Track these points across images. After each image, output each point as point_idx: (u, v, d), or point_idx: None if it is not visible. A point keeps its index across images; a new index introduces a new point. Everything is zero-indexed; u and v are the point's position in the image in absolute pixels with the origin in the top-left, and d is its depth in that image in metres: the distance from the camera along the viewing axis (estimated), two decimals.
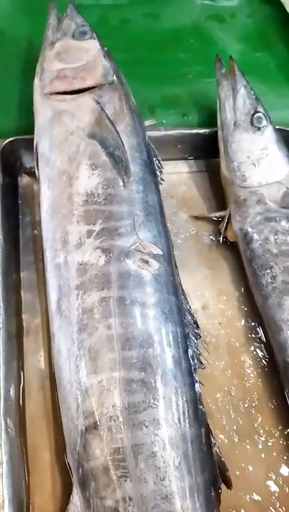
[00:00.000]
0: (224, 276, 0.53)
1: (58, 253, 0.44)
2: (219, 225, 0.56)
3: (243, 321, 0.50)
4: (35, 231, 0.52)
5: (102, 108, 0.50)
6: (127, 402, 0.37)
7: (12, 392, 0.42)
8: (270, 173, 0.54)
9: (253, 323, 0.49)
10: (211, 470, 0.37)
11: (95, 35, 0.57)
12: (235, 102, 0.57)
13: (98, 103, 0.50)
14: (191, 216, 0.57)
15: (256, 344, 0.48)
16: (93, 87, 0.52)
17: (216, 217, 0.57)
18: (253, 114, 0.56)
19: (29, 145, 0.52)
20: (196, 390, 0.40)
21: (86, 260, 0.43)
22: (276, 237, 0.50)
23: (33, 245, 0.52)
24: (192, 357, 0.42)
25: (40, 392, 0.43)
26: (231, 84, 0.58)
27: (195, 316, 0.45)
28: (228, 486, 0.38)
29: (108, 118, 0.49)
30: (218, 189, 0.59)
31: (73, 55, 0.54)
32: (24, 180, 0.57)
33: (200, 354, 0.44)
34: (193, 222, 0.57)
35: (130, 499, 0.34)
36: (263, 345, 0.48)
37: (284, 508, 0.40)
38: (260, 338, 0.48)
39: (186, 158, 0.62)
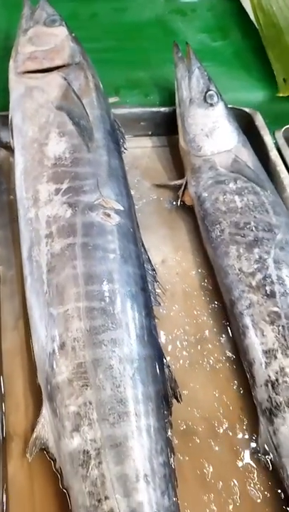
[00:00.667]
0: (181, 235, 0.59)
1: (30, 209, 0.50)
2: (178, 192, 0.62)
3: (196, 270, 0.56)
4: (11, 197, 0.58)
5: (69, 84, 0.56)
6: (89, 326, 0.42)
7: None
8: (221, 144, 0.61)
9: (205, 272, 0.56)
10: (162, 384, 0.43)
11: (63, 23, 0.63)
12: (190, 81, 0.64)
13: (65, 80, 0.57)
14: (153, 184, 0.64)
15: (208, 290, 0.55)
16: (61, 66, 0.58)
17: (175, 185, 0.63)
18: (206, 92, 0.63)
19: (5, 121, 0.58)
20: (151, 320, 0.46)
21: (54, 213, 0.49)
22: (225, 196, 0.56)
23: (9, 209, 0.58)
24: (149, 295, 0.49)
25: (14, 332, 0.49)
26: (187, 66, 0.65)
27: (154, 266, 0.52)
28: (178, 400, 0.44)
29: (74, 92, 0.56)
30: (177, 162, 0.65)
31: (44, 40, 0.61)
32: (1, 153, 0.63)
33: (157, 294, 0.50)
34: (155, 189, 0.63)
35: (90, 403, 0.40)
36: (213, 290, 0.54)
37: (227, 422, 0.46)
38: (211, 284, 0.55)
39: (148, 135, 0.69)
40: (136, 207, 0.56)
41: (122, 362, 0.42)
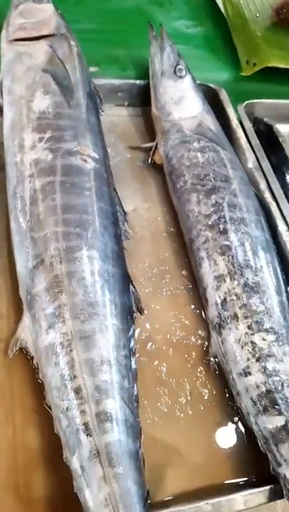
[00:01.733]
0: (151, 189, 0.67)
1: (16, 155, 0.57)
2: (149, 152, 0.70)
3: (163, 217, 0.64)
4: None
5: (54, 51, 0.64)
6: (65, 246, 0.49)
7: None
8: (187, 110, 0.69)
9: (170, 219, 0.63)
10: (127, 298, 0.51)
11: (50, 1, 0.71)
12: (162, 57, 0.72)
13: (51, 47, 0.64)
14: (127, 146, 0.71)
15: (171, 234, 0.62)
16: (48, 36, 0.66)
17: (146, 147, 0.71)
18: (176, 66, 0.71)
19: None
20: (120, 248, 0.54)
21: (37, 157, 0.56)
22: (189, 153, 0.64)
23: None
24: (119, 229, 0.56)
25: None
26: (160, 44, 0.73)
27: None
28: (141, 312, 0.52)
29: (58, 58, 0.63)
30: (149, 128, 0.73)
31: (33, 13, 0.68)
32: None
33: (126, 231, 0.57)
34: (129, 150, 0.71)
35: (65, 305, 0.46)
36: (176, 233, 0.62)
37: (182, 334, 0.53)
38: (174, 229, 0.62)
39: (124, 105, 0.76)
40: (111, 163, 0.63)
41: (93, 275, 0.49)
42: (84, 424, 0.40)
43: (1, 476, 0.42)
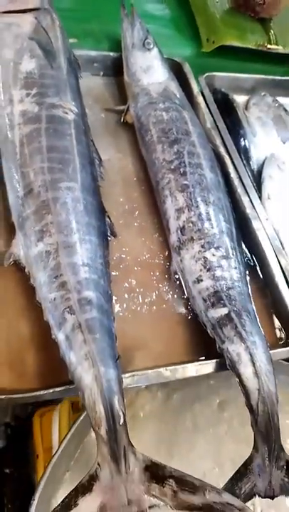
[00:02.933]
0: (123, 143, 0.77)
1: (6, 107, 0.66)
2: (122, 113, 0.81)
3: (133, 166, 0.74)
4: None
5: (38, 21, 0.73)
6: (50, 178, 0.59)
7: None
8: (154, 77, 0.79)
9: (139, 167, 0.74)
10: (103, 222, 0.61)
11: None
12: (133, 32, 0.83)
13: (36, 18, 0.73)
14: (102, 108, 0.81)
15: (141, 179, 0.73)
16: (33, 10, 0.75)
17: (119, 109, 0.81)
18: (144, 40, 0.82)
19: None
20: (96, 184, 0.64)
21: (25, 109, 0.65)
22: (155, 112, 0.75)
23: None
24: (95, 169, 0.66)
25: None
26: (130, 21, 0.84)
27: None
28: (114, 235, 0.63)
29: (42, 27, 0.73)
30: (122, 94, 0.83)
31: None
32: None
33: (101, 173, 0.68)
34: (104, 111, 0.80)
35: (51, 223, 0.56)
36: (144, 179, 0.73)
37: (148, 255, 0.64)
38: (143, 175, 0.73)
39: (100, 75, 0.87)
40: (88, 122, 0.74)
41: (73, 201, 0.59)
42: (68, 307, 0.51)
43: None
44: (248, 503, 0.49)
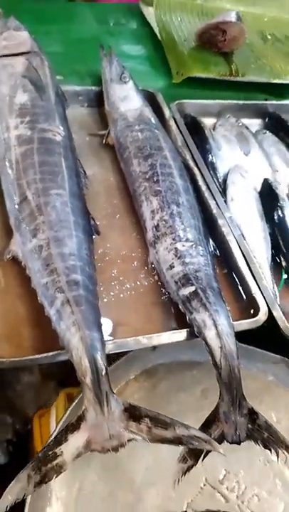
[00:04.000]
0: (105, 161, 0.89)
1: (4, 133, 0.78)
2: (103, 137, 0.93)
3: (114, 178, 0.86)
4: None
5: (29, 62, 0.87)
6: (42, 186, 0.70)
7: None
8: (130, 105, 0.92)
9: (119, 179, 0.85)
10: (88, 222, 0.72)
11: (26, 29, 0.95)
12: (111, 68, 0.96)
13: (27, 60, 0.87)
14: (86, 133, 0.94)
15: (121, 188, 0.84)
16: (25, 53, 0.89)
17: (101, 133, 0.93)
18: (121, 75, 0.96)
19: None
20: (81, 192, 0.75)
21: (20, 133, 0.77)
22: (132, 133, 0.87)
23: None
24: (80, 180, 0.77)
25: None
26: (109, 59, 0.98)
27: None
28: (98, 233, 0.73)
29: (33, 67, 0.86)
30: (103, 121, 0.96)
31: (13, 38, 0.92)
32: None
33: (85, 183, 0.79)
34: (88, 136, 0.93)
35: (43, 223, 0.66)
36: (123, 189, 0.84)
37: (127, 250, 0.74)
38: (123, 185, 0.84)
39: (84, 106, 1.00)
40: (75, 144, 0.86)
41: (62, 204, 0.69)
42: (58, 287, 0.60)
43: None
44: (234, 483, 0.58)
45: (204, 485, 0.62)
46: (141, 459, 0.76)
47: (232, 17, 1.08)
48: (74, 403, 0.77)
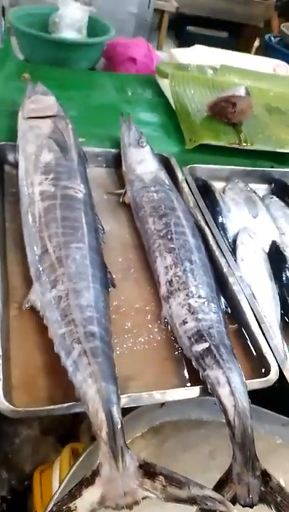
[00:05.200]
0: (122, 218, 0.93)
1: (28, 188, 0.83)
2: (120, 196, 0.98)
3: (129, 234, 0.90)
4: (14, 189, 0.91)
5: (55, 125, 0.94)
6: (63, 240, 0.74)
7: None
8: (147, 168, 0.98)
9: (134, 236, 0.89)
10: (104, 274, 0.74)
11: (53, 95, 1.04)
12: (129, 133, 1.04)
13: (53, 123, 0.95)
14: (105, 191, 0.99)
15: (136, 245, 0.88)
16: (51, 116, 0.97)
17: (118, 192, 0.99)
18: (139, 139, 1.03)
19: (13, 148, 0.94)
20: (99, 246, 0.78)
21: (44, 189, 0.82)
22: (147, 194, 0.92)
23: (13, 194, 0.90)
24: (99, 236, 0.81)
25: (17, 252, 0.79)
26: (127, 125, 1.05)
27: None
28: (114, 286, 0.75)
29: (58, 129, 0.93)
30: (120, 181, 1.02)
31: (40, 102, 1.00)
32: (7, 168, 0.97)
33: (103, 238, 0.83)
34: (106, 194, 0.98)
35: (63, 274, 0.69)
36: (138, 245, 0.87)
37: (141, 304, 0.76)
38: (138, 242, 0.88)
39: (103, 166, 1.06)
40: (94, 201, 0.91)
41: (81, 257, 0.73)
42: (75, 338, 0.62)
43: (16, 381, 0.62)
44: None
45: None
46: None
47: (241, 92, 1.18)
48: (80, 459, 0.75)
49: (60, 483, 0.73)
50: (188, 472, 0.83)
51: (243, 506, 0.56)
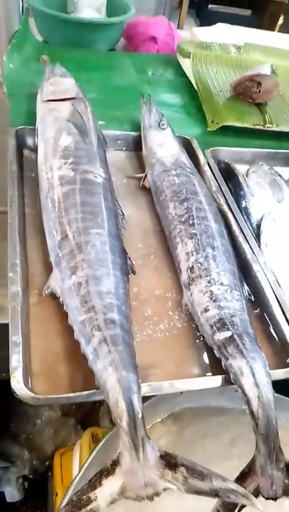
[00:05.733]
0: (142, 203, 0.91)
1: (48, 173, 0.82)
2: (140, 179, 0.96)
3: (150, 220, 0.88)
4: (33, 174, 0.90)
5: (74, 107, 0.92)
6: (83, 225, 0.72)
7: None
8: (167, 150, 0.95)
9: (155, 221, 0.87)
10: (124, 260, 0.73)
11: (72, 77, 1.01)
12: (150, 115, 1.01)
13: (72, 105, 0.92)
14: (125, 175, 0.97)
15: (157, 231, 0.86)
16: (70, 98, 0.94)
17: (139, 176, 0.97)
18: (159, 122, 1.00)
19: (32, 132, 0.92)
20: (119, 232, 0.77)
21: (63, 174, 0.80)
22: (168, 178, 0.89)
23: (32, 179, 0.89)
24: (119, 221, 0.79)
25: (37, 238, 0.78)
26: (148, 107, 1.02)
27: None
28: (134, 272, 0.74)
29: (78, 112, 0.91)
30: (140, 165, 1.00)
31: (59, 84, 0.98)
32: (26, 152, 0.96)
33: (123, 224, 0.81)
34: (126, 178, 0.96)
35: (83, 260, 0.68)
36: (159, 229, 0.86)
37: (162, 290, 0.75)
38: (159, 228, 0.86)
39: (123, 150, 1.04)
40: (113, 185, 0.89)
41: (101, 243, 0.71)
42: (95, 326, 0.61)
43: (36, 368, 0.61)
44: None
45: None
46: (165, 507, 0.74)
47: (267, 70, 1.13)
48: (100, 444, 0.76)
49: (80, 468, 0.73)
50: (209, 459, 0.82)
51: (266, 499, 0.55)
